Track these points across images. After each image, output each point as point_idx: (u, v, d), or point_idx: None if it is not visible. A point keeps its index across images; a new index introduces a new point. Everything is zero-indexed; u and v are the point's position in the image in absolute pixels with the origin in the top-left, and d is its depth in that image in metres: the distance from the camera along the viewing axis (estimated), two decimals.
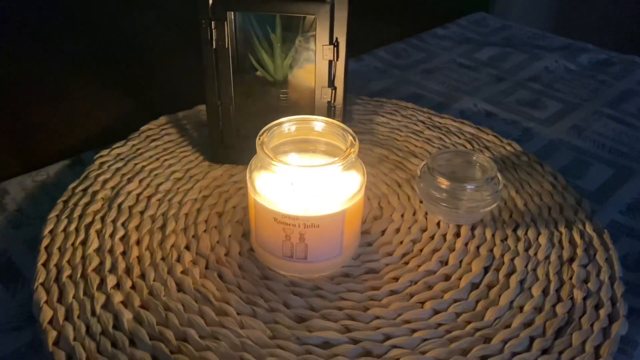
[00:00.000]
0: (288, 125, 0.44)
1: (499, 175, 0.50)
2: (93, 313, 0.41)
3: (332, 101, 0.52)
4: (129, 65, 0.84)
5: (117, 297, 0.42)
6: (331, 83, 0.51)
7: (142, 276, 0.44)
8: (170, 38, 0.88)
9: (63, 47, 0.82)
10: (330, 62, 0.50)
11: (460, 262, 0.47)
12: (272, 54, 0.57)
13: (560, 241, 0.49)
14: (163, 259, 0.45)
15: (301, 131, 0.45)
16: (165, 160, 0.57)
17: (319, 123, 0.45)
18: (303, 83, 0.57)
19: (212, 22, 0.49)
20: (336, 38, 0.49)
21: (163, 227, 0.48)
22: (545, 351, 0.40)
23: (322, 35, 0.49)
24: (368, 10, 0.95)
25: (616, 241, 0.51)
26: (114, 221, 0.49)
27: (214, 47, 0.51)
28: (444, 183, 0.49)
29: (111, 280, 0.43)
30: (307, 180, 0.41)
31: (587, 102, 0.76)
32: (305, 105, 0.54)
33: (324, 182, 0.41)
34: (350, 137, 0.43)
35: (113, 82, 0.79)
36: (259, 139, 0.42)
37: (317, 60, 0.50)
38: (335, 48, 0.49)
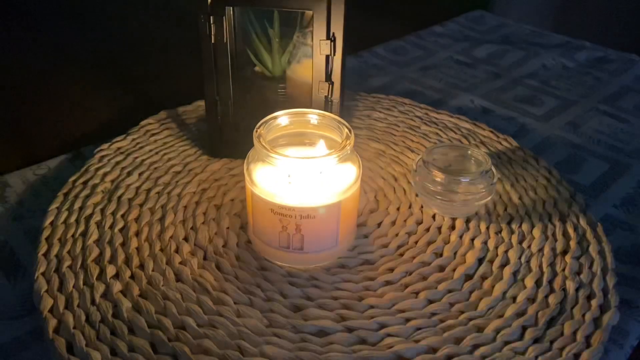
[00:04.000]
0: (284, 118, 0.45)
1: (493, 169, 0.50)
2: (93, 302, 0.41)
3: (330, 95, 0.52)
4: (129, 60, 0.85)
5: (117, 287, 0.42)
6: (328, 77, 0.52)
7: (141, 266, 0.45)
8: (171, 33, 0.89)
9: (65, 42, 0.83)
10: (327, 56, 0.51)
11: (455, 253, 0.47)
12: (270, 49, 0.58)
13: (553, 234, 0.49)
14: (162, 250, 0.46)
15: (298, 124, 0.46)
16: (165, 154, 0.58)
17: (315, 116, 0.45)
18: (301, 78, 0.57)
19: (211, 18, 0.50)
20: (333, 33, 0.50)
21: (162, 219, 0.49)
22: (536, 340, 0.40)
23: (319, 30, 0.49)
24: (368, 8, 0.96)
25: (610, 234, 0.52)
26: (113, 213, 0.49)
27: (212, 42, 0.51)
28: (438, 176, 0.49)
29: (110, 271, 0.44)
30: (303, 172, 0.42)
31: (584, 98, 0.76)
32: (303, 100, 0.55)
33: (320, 174, 0.42)
34: (346, 130, 0.43)
35: (114, 78, 0.79)
36: (256, 131, 0.43)
37: (314, 54, 0.50)
38: (332, 43, 0.50)
